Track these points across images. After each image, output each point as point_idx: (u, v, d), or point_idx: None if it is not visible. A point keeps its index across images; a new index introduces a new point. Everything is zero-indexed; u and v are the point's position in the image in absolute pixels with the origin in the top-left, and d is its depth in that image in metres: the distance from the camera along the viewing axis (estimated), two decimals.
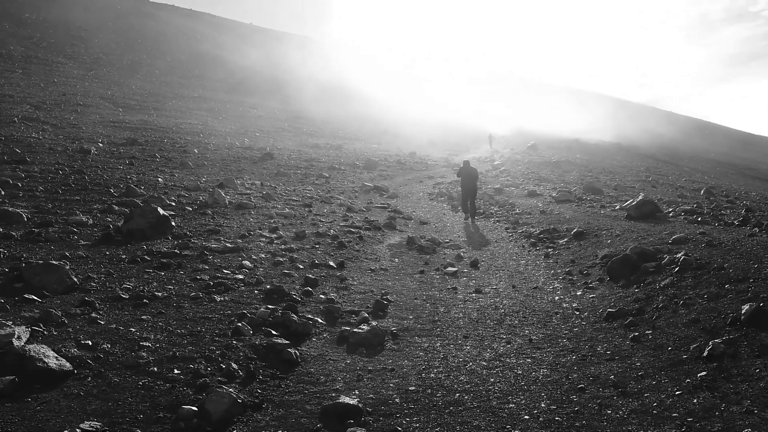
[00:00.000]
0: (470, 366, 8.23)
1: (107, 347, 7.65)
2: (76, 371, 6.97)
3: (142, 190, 18.28)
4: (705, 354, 7.50)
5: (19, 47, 58.22)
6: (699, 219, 18.68)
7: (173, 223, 14.67)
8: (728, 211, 22.79)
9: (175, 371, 7.21)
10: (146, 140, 29.71)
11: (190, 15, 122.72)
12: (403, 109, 76.49)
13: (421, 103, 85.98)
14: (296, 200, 20.82)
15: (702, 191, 32.60)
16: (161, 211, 14.46)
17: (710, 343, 7.69)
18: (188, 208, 17.04)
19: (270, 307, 9.76)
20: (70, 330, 8.08)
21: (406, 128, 60.34)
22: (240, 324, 8.75)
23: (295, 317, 9.30)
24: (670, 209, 21.25)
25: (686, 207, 22.11)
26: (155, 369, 7.21)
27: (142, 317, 8.82)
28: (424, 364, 8.34)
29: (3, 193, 15.82)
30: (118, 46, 75.04)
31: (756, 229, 15.40)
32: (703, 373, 7.11)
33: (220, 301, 9.96)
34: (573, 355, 8.50)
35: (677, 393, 6.83)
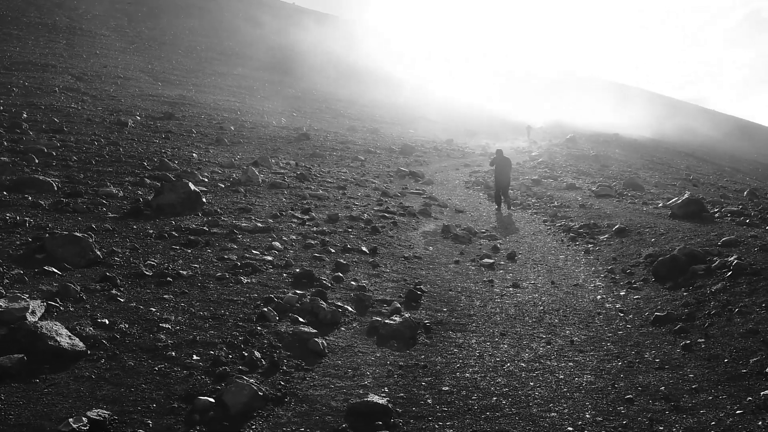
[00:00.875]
0: (508, 367, 7.71)
1: (124, 327, 7.27)
2: (89, 352, 6.60)
3: (175, 165, 18.03)
4: None
5: (64, 18, 58.57)
6: (747, 221, 17.85)
7: (204, 200, 14.37)
8: None
9: (194, 357, 6.81)
10: (183, 115, 29.59)
11: None
12: (443, 97, 75.75)
13: (460, 92, 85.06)
14: (330, 182, 20.41)
15: (745, 192, 31.51)
16: (192, 187, 14.15)
17: None
18: (221, 185, 16.74)
19: (298, 292, 9.34)
20: (88, 307, 7.73)
21: (445, 116, 59.72)
22: (266, 309, 8.33)
23: (324, 304, 8.84)
24: (716, 210, 20.40)
25: (732, 208, 21.24)
26: (173, 353, 6.81)
27: (164, 296, 8.45)
28: (459, 362, 7.85)
29: (37, 161, 15.65)
30: (160, 21, 75.18)
31: None
32: (767, 392, 6.51)
33: (247, 283, 9.56)
34: (619, 361, 7.93)
35: (738, 412, 6.22)
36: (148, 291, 8.61)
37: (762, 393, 6.49)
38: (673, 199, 19.81)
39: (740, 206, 22.56)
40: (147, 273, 9.28)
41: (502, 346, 8.50)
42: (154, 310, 7.90)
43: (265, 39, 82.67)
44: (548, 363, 7.88)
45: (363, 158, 28.00)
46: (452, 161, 34.04)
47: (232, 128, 28.56)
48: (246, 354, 7.04)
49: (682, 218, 17.53)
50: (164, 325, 7.44)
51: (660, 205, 20.99)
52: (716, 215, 18.89)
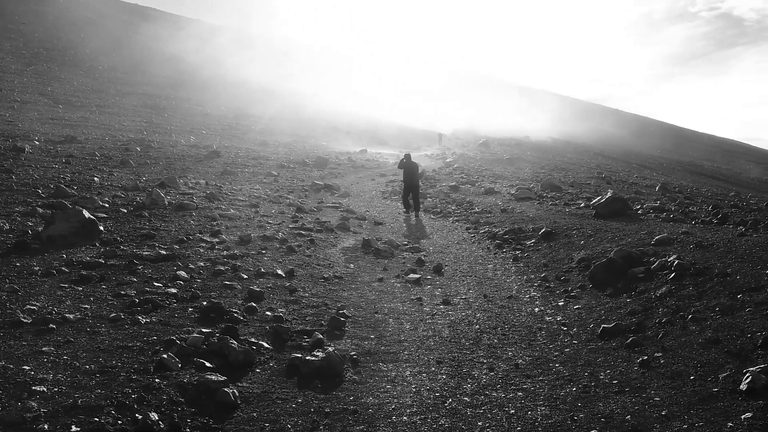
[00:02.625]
0: (450, 403, 6.70)
1: None
2: None
3: (73, 191, 16.41)
4: (744, 387, 6.10)
5: None
6: (672, 217, 17.63)
7: (101, 228, 12.95)
8: (695, 208, 21.92)
9: (73, 429, 5.51)
10: (86, 138, 27.73)
11: (135, 10, 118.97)
12: (354, 108, 75.13)
13: (371, 102, 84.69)
14: (242, 200, 19.11)
15: (657, 188, 31.87)
16: (86, 214, 12.73)
17: (746, 372, 6.28)
18: (123, 209, 15.24)
19: (205, 330, 8.09)
20: None
21: (357, 127, 59.04)
22: (166, 356, 7.04)
23: (235, 343, 7.62)
24: (638, 206, 20.16)
25: (653, 204, 21.10)
26: (46, 426, 5.48)
27: (43, 349, 7.06)
28: (394, 401, 6.79)
29: None
30: (59, 40, 71.76)
31: (742, 227, 14.29)
32: (748, 414, 5.71)
33: (146, 323, 8.26)
34: (572, 386, 7.04)
35: None
36: (24, 344, 7.22)
37: (743, 416, 5.69)
38: (596, 199, 19.40)
39: (659, 202, 22.54)
40: (25, 320, 7.85)
41: (440, 376, 7.50)
42: (27, 368, 6.51)
43: (171, 57, 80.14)
44: (494, 395, 6.93)
45: (276, 173, 26.78)
46: (367, 172, 33.18)
47: (139, 149, 26.89)
48: (140, 417, 5.78)
49: (607, 217, 17.11)
50: (38, 388, 6.08)
51: (582, 205, 20.62)
52: (639, 212, 18.58)
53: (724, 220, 16.12)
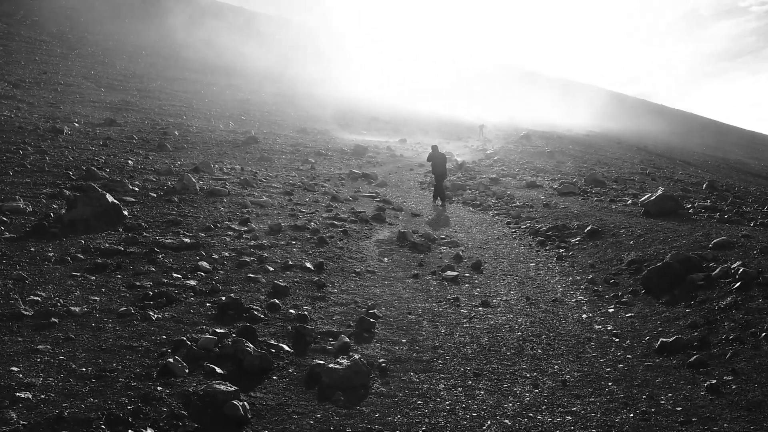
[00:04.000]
0: (489, 426, 5.91)
1: None
2: None
3: (104, 174, 15.99)
4: None
5: (1, 24, 55.48)
6: (726, 217, 16.60)
7: (125, 213, 12.50)
8: (749, 208, 20.78)
9: None
10: (125, 121, 27.52)
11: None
12: (396, 97, 74.44)
13: (413, 92, 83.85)
14: (277, 187, 18.50)
15: (704, 186, 30.57)
16: (110, 198, 12.26)
17: None
18: (152, 194, 14.75)
19: (219, 331, 7.39)
20: None
21: (397, 117, 58.34)
22: (172, 360, 6.33)
23: (250, 347, 6.87)
24: (689, 205, 19.07)
25: (704, 203, 20.00)
26: None
27: (39, 347, 6.42)
28: (425, 422, 6.00)
29: None
30: (104, 26, 72.16)
31: None
32: None
33: (157, 319, 7.61)
34: (629, 411, 6.18)
35: None
36: (19, 339, 6.58)
37: None
38: (646, 196, 18.38)
39: (709, 201, 21.46)
40: (26, 313, 7.25)
41: (477, 392, 6.69)
42: (16, 370, 5.85)
43: (213, 43, 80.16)
44: (539, 417, 6.11)
45: (313, 161, 26.21)
46: (406, 162, 32.44)
47: (177, 133, 26.55)
48: None
49: (656, 216, 16.19)
50: (23, 395, 5.40)
51: (629, 201, 19.69)
52: (691, 211, 17.56)
53: None
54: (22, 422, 5.05)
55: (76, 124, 24.05)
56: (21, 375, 5.78)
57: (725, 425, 5.73)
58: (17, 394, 5.42)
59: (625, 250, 12.55)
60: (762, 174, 65.39)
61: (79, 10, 75.70)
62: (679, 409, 6.16)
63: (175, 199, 14.67)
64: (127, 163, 18.15)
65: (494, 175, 27.22)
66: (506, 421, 6.04)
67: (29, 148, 17.80)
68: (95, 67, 47.49)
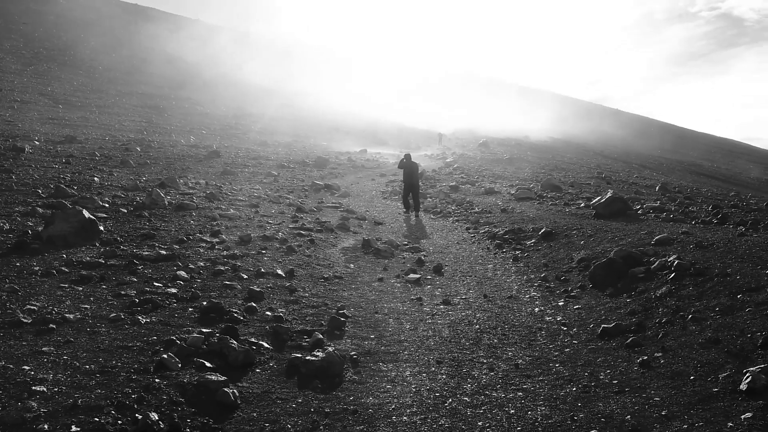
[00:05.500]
0: (450, 403, 6.70)
1: None
2: None
3: (73, 191, 16.40)
4: (744, 387, 6.10)
5: None
6: (672, 217, 17.62)
7: (101, 228, 12.94)
8: (695, 208, 21.89)
9: (73, 429, 5.50)
10: (86, 138, 27.75)
11: (135, 10, 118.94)
12: (355, 109, 75.13)
13: (371, 103, 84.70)
14: (242, 200, 19.11)
15: (657, 188, 31.87)
16: (86, 214, 12.71)
17: (746, 372, 6.28)
18: (123, 209, 15.23)
19: (205, 330, 8.08)
20: None
21: (357, 127, 59.05)
22: (166, 356, 7.04)
23: (234, 343, 7.62)
24: (638, 207, 20.15)
25: (653, 204, 21.10)
26: (46, 426, 5.47)
27: (43, 349, 7.05)
28: (394, 401, 6.78)
29: None
30: (59, 40, 71.79)
31: (742, 227, 14.28)
32: (748, 414, 5.70)
33: (146, 323, 8.26)
34: (572, 386, 7.04)
35: None
36: (23, 343, 7.21)
37: (743, 416, 5.69)
38: (596, 199, 19.40)
39: (659, 202, 22.53)
40: (25, 320, 7.84)
41: (440, 376, 7.50)
42: (27, 368, 6.50)
43: (170, 57, 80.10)
44: (495, 395, 6.92)
45: (276, 173, 26.78)
46: (367, 172, 33.17)
47: (139, 149, 26.89)
48: (140, 417, 5.77)
49: (607, 217, 17.12)
50: (38, 388, 6.08)
51: (582, 205, 20.63)
52: (639, 212, 18.58)
53: (724, 220, 16.10)
54: (42, 410, 5.72)
55: (37, 142, 24.23)
56: (32, 372, 6.42)
57: (652, 392, 6.62)
58: (33, 387, 6.08)
59: (576, 249, 13.45)
60: (715, 175, 67.52)
61: (34, 24, 75.19)
62: (615, 382, 7.04)
63: (146, 214, 15.18)
64: (94, 179, 18.55)
65: (454, 183, 28.07)
66: (465, 398, 6.84)
67: None
68: (52, 83, 47.42)
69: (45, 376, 6.41)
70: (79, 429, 5.53)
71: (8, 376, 6.32)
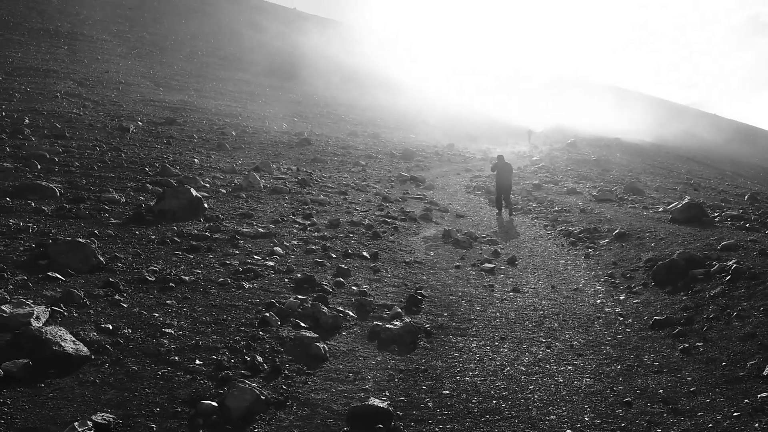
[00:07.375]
0: (508, 371, 7.78)
1: (128, 332, 7.34)
2: (93, 357, 6.66)
3: (177, 170, 18.06)
4: (765, 373, 6.95)
5: (66, 24, 58.72)
6: (747, 225, 17.90)
7: (206, 205, 14.41)
8: None
9: (197, 362, 6.88)
10: (185, 120, 29.67)
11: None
12: (444, 101, 75.86)
13: (462, 97, 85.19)
14: (332, 187, 20.48)
15: (746, 197, 31.54)
16: (194, 193, 14.19)
17: None
18: (222, 190, 16.79)
19: (300, 297, 9.41)
20: (92, 312, 7.79)
21: (446, 121, 59.77)
22: (268, 314, 8.41)
23: (325, 309, 8.93)
24: (716, 214, 20.44)
25: (732, 212, 21.28)
26: (176, 358, 6.89)
27: (167, 302, 8.51)
28: (459, 365, 7.92)
29: (39, 167, 15.70)
30: (161, 25, 75.42)
31: None
32: (764, 394, 6.57)
33: (249, 288, 9.63)
34: (618, 365, 8.00)
35: (735, 414, 6.30)
36: (150, 296, 8.68)
37: (759, 395, 6.56)
38: (674, 204, 19.88)
39: (740, 210, 22.61)
40: (150, 278, 9.34)
41: (502, 350, 8.57)
42: (157, 315, 7.97)
43: (267, 44, 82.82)
44: (548, 367, 7.95)
45: (364, 163, 28.04)
46: (453, 166, 34.05)
47: (234, 133, 28.60)
48: (248, 358, 7.11)
49: (682, 223, 17.58)
50: (167, 330, 7.51)
51: (660, 209, 21.04)
52: (716, 219, 18.93)
53: None
54: (172, 346, 7.16)
55: (140, 123, 26.15)
56: (161, 318, 7.89)
57: (686, 374, 7.54)
58: (163, 329, 7.55)
59: (646, 250, 14.14)
60: None
61: (138, 9, 78.75)
62: (656, 364, 7.97)
63: (243, 195, 16.66)
64: (194, 161, 20.21)
65: (537, 181, 28.71)
66: (521, 368, 7.90)
67: (103, 145, 19.97)
68: (153, 67, 50.05)
69: (171, 321, 7.85)
70: (201, 362, 6.90)
71: (143, 320, 7.78)
